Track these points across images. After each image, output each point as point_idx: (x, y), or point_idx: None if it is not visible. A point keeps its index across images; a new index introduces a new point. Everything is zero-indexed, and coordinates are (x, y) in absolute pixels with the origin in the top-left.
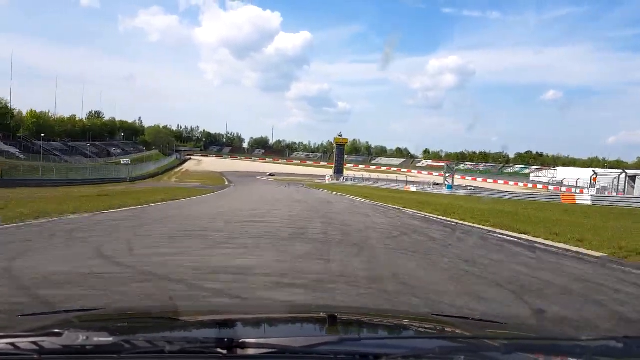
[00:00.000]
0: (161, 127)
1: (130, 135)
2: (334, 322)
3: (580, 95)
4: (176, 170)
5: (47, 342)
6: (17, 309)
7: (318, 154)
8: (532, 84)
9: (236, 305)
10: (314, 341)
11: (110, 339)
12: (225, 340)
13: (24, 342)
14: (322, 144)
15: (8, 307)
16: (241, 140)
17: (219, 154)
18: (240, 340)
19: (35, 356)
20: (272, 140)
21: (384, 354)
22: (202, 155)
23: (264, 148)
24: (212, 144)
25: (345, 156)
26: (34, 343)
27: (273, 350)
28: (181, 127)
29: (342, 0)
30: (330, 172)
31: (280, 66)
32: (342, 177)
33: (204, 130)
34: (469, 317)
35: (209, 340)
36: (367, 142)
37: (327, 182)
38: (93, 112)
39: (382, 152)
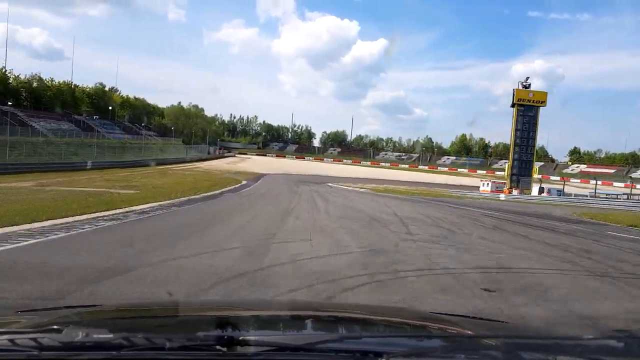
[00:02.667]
0: (189, 107)
1: (145, 117)
2: (335, 320)
3: None
4: (160, 168)
5: (47, 338)
6: None
7: (413, 154)
8: (628, 89)
9: (237, 302)
10: (315, 339)
11: (110, 335)
12: (226, 337)
13: (23, 339)
14: (417, 140)
15: None
16: (311, 135)
17: (280, 153)
18: (241, 338)
19: (34, 352)
20: (350, 137)
21: (384, 352)
22: (258, 154)
23: (340, 146)
24: (275, 139)
25: (450, 158)
26: (34, 339)
27: (274, 347)
28: (234, 118)
29: (421, 7)
30: (482, 181)
31: (357, 74)
32: (545, 190)
33: (263, 122)
34: (469, 315)
35: (209, 337)
36: (483, 139)
37: (501, 196)
38: (99, 84)
39: (504, 151)
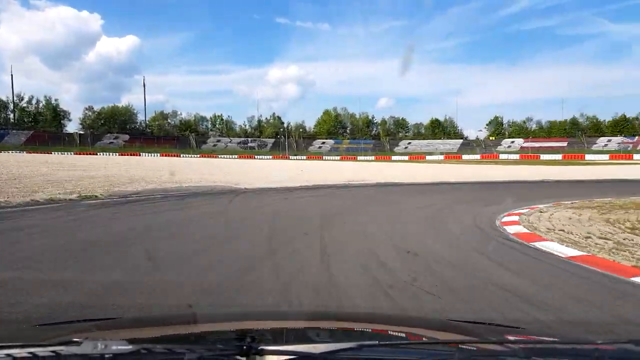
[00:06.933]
0: None
1: None
2: (353, 329)
3: (409, 102)
4: None
5: (66, 351)
6: None
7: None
8: (369, 93)
9: (255, 313)
10: (334, 348)
11: (129, 347)
12: (244, 347)
13: (42, 352)
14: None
15: None
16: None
17: None
18: (260, 348)
19: None
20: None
21: None
22: None
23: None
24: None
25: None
26: (53, 352)
27: (292, 357)
28: None
29: (171, 6)
30: None
31: (106, 75)
32: None
33: None
34: (486, 322)
35: (228, 347)
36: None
37: None
38: None
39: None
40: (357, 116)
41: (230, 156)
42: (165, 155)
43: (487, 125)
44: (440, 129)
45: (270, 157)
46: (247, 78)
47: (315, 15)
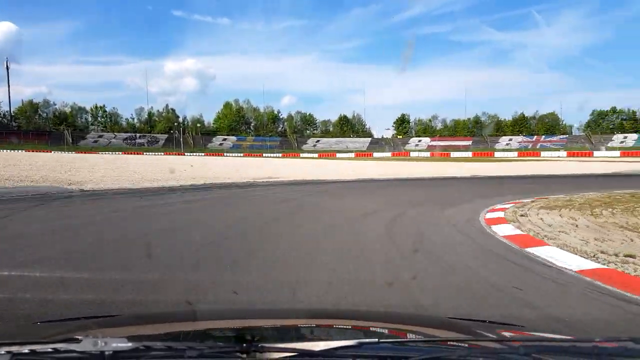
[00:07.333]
0: None
1: None
2: (352, 326)
3: (314, 101)
4: None
5: (66, 348)
6: None
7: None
8: (273, 90)
9: (255, 310)
10: (333, 345)
11: (129, 344)
12: (244, 344)
13: (43, 349)
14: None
15: None
16: None
17: None
18: (260, 345)
19: None
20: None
21: (403, 357)
22: None
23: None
24: None
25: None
26: (53, 349)
27: (292, 354)
28: None
29: None
30: None
31: None
32: None
33: None
34: (486, 320)
35: (228, 344)
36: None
37: None
38: None
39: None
40: (262, 110)
41: (114, 153)
42: (32, 152)
43: (394, 124)
44: (348, 126)
45: (162, 154)
46: (140, 70)
47: (214, 9)
